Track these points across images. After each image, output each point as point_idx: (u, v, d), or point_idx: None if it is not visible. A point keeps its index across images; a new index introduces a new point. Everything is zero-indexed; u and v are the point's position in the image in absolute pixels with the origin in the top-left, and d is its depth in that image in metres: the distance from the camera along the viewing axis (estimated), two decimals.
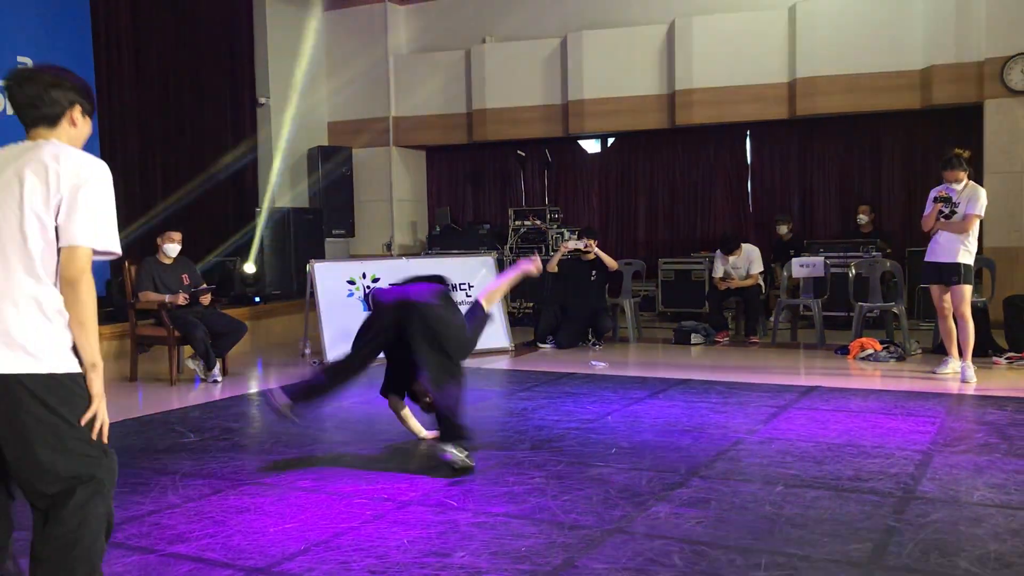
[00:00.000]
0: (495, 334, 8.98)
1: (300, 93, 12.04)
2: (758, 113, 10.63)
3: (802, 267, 9.19)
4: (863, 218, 10.27)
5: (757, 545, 3.41)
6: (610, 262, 9.34)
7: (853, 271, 8.84)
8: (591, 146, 12.47)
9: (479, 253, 10.37)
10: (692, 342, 9.17)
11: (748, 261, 9.40)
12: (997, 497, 3.94)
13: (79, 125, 2.59)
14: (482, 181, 13.09)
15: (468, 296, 9.06)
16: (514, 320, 9.86)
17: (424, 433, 5.17)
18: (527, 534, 3.59)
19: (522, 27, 11.88)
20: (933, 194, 6.89)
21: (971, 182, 6.86)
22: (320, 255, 11.23)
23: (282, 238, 11.16)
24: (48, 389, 2.40)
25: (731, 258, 9.40)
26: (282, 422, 5.11)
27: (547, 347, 9.14)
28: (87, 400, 2.47)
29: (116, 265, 8.38)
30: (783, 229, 10.53)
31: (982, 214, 6.77)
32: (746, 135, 11.58)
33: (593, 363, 8.04)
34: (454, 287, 5.30)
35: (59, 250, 2.42)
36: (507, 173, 12.76)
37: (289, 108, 11.98)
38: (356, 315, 8.51)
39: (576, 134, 11.77)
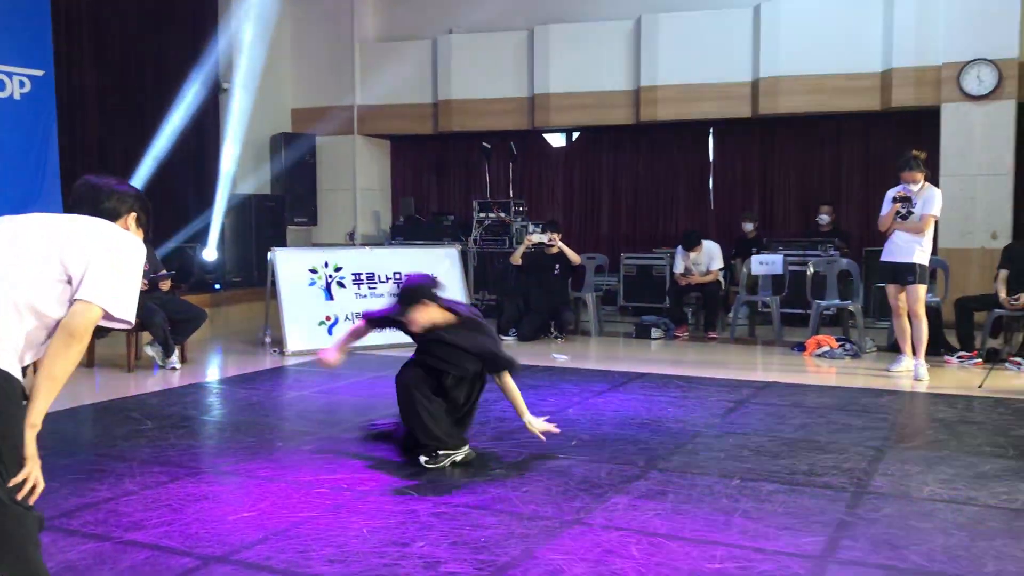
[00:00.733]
0: None
1: (263, 79, 11.91)
2: (722, 111, 10.72)
3: (761, 264, 9.30)
4: (825, 218, 10.40)
5: (713, 537, 3.47)
6: (573, 256, 9.39)
7: (811, 269, 8.97)
8: (556, 140, 12.50)
9: (443, 244, 10.37)
10: (652, 336, 9.25)
11: (709, 258, 9.49)
12: (946, 492, 4.03)
13: (131, 232, 2.61)
14: (447, 172, 13.05)
15: None
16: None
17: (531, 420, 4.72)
18: (486, 524, 3.61)
19: (489, 19, 11.85)
20: (891, 194, 7.01)
21: (928, 183, 6.99)
22: (281, 243, 11.13)
23: (243, 225, 11.04)
24: None
25: (692, 254, 9.48)
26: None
27: (509, 339, 9.17)
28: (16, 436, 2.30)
29: None
30: (748, 227, 10.64)
31: (938, 215, 6.91)
32: (709, 133, 11.67)
33: (555, 356, 8.09)
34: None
35: (72, 300, 2.35)
36: (472, 165, 12.74)
37: (252, 94, 11.84)
38: (317, 304, 8.49)
39: (542, 127, 11.78)
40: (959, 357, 7.61)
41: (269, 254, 8.69)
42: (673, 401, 6.08)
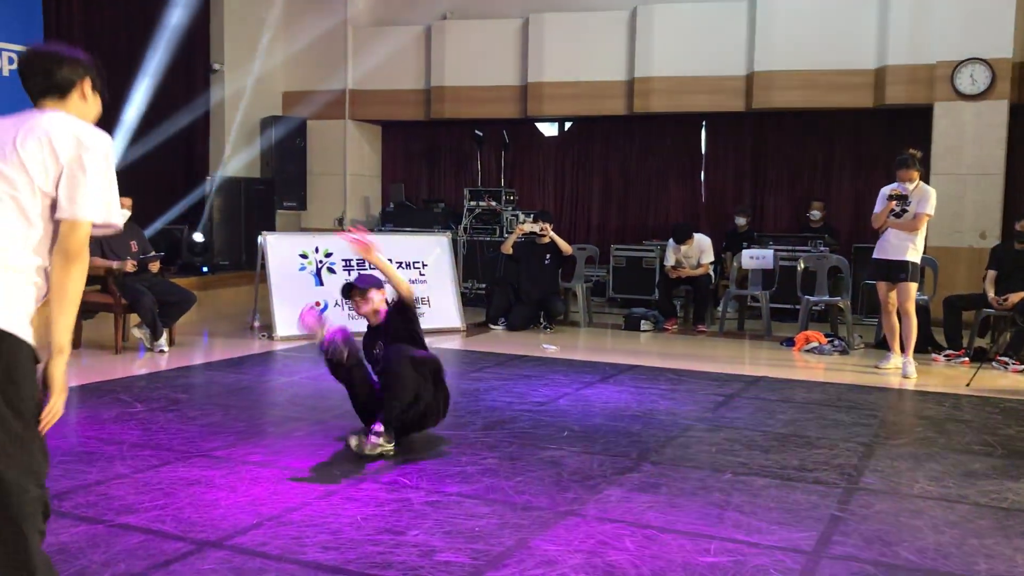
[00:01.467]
0: (447, 313, 8.98)
1: (255, 61, 11.82)
2: (715, 104, 10.73)
3: (752, 259, 9.32)
4: (816, 213, 10.44)
5: (707, 531, 3.48)
6: (565, 247, 9.37)
7: (801, 265, 9.01)
8: (549, 129, 12.47)
9: (433, 232, 10.34)
10: (641, 328, 9.26)
11: (699, 251, 9.50)
12: (936, 490, 4.06)
13: (89, 100, 2.53)
14: (438, 159, 13.01)
15: (422, 276, 9.03)
16: (466, 300, 9.85)
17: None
18: (480, 514, 3.61)
19: (484, 5, 11.81)
20: (886, 192, 7.03)
21: (922, 182, 7.02)
22: (271, 226, 11.07)
23: (232, 207, 10.97)
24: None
25: (683, 247, 9.49)
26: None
27: (499, 328, 9.16)
28: (35, 388, 2.30)
29: None
30: (741, 221, 10.66)
31: (932, 214, 6.93)
32: (702, 126, 11.67)
33: (544, 346, 8.08)
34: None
35: (57, 221, 2.32)
36: (463, 152, 12.70)
37: (243, 75, 11.75)
38: (308, 289, 8.44)
39: (535, 116, 11.75)
40: (947, 355, 7.66)
41: (260, 238, 8.64)
42: (663, 394, 6.10)
